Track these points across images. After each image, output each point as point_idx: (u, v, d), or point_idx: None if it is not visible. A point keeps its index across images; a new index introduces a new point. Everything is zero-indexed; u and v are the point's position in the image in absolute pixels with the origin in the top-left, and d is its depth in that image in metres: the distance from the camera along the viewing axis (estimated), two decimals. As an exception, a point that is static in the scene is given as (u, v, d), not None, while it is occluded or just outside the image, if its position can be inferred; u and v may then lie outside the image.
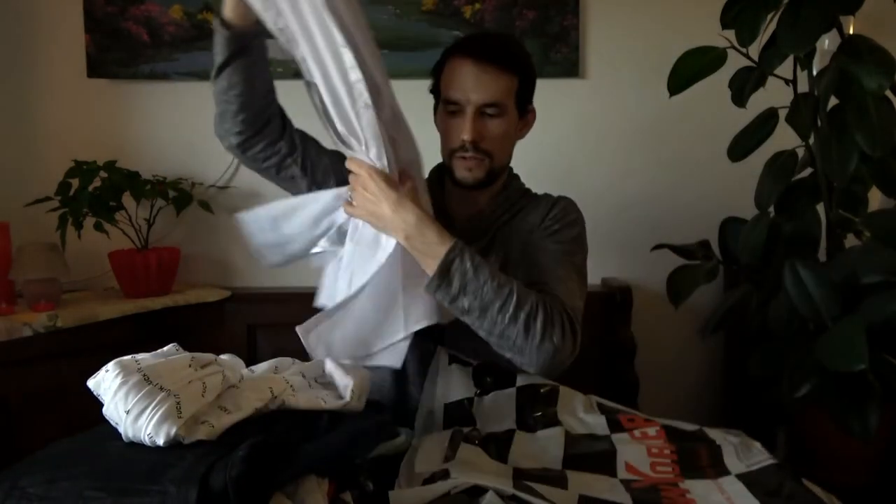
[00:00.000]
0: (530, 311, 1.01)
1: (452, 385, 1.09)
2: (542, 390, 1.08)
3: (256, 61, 1.11)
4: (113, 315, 1.65)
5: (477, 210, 1.27)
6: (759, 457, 0.94)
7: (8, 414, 1.50)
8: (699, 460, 0.95)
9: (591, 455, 0.97)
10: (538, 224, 1.24)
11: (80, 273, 1.85)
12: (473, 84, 1.16)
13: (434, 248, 1.02)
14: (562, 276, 1.13)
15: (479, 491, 0.82)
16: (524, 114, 1.26)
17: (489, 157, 1.20)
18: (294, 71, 1.02)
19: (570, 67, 1.90)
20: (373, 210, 1.02)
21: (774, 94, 1.45)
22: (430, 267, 1.02)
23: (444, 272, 1.01)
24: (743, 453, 0.95)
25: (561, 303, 1.07)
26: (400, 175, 1.06)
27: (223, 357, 0.94)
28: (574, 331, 1.06)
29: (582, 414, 1.07)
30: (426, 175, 1.21)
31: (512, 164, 1.30)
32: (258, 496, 0.73)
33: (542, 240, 1.21)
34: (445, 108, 1.20)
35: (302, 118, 1.12)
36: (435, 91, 1.26)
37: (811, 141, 1.43)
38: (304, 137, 1.24)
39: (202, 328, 1.80)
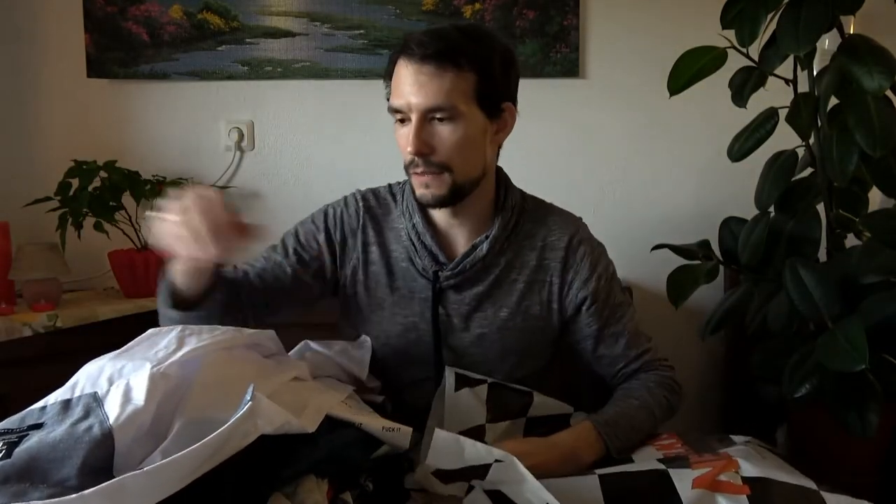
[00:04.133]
0: (660, 411, 1.12)
1: (461, 412, 1.04)
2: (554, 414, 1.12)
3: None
4: (113, 315, 1.65)
5: (471, 247, 1.12)
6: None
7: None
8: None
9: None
10: (566, 282, 1.15)
11: (80, 273, 1.85)
12: (412, 87, 1.01)
13: (592, 449, 1.03)
14: (631, 331, 1.18)
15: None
16: (496, 114, 1.08)
17: (447, 170, 1.04)
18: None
19: (570, 67, 1.90)
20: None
21: (774, 94, 1.44)
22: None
23: (610, 454, 1.03)
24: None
25: (656, 371, 1.17)
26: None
27: None
28: (675, 377, 1.19)
29: None
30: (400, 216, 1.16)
31: (510, 165, 1.20)
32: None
33: (597, 314, 1.16)
34: (394, 119, 1.07)
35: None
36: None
37: (811, 141, 1.43)
38: (273, 275, 1.16)
39: (202, 328, 1.80)
